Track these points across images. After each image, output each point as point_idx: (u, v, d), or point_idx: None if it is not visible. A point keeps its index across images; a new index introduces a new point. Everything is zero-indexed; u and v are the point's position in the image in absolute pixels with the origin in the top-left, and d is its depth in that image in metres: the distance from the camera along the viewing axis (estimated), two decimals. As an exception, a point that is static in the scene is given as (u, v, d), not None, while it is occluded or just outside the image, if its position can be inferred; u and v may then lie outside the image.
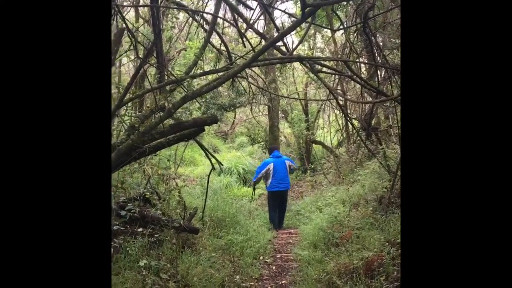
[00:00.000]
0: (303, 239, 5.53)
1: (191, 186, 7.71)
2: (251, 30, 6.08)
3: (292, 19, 6.80)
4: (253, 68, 7.37)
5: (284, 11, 6.48)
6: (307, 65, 4.57)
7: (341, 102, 6.85)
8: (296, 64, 10.46)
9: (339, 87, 8.40)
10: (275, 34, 4.92)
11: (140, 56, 4.43)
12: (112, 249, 3.36)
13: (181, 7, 5.67)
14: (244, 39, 5.70)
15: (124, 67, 11.59)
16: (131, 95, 4.72)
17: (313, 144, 11.86)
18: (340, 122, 10.70)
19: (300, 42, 5.30)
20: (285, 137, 13.71)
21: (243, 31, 5.84)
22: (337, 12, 6.36)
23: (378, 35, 5.90)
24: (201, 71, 5.30)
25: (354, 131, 8.65)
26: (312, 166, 10.76)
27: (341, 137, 10.97)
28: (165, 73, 4.54)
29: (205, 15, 5.88)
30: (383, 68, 6.00)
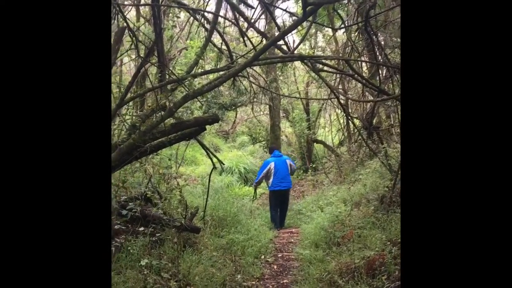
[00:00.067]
0: (305, 238, 5.53)
1: (192, 185, 7.71)
2: (252, 29, 6.07)
3: (293, 18, 6.79)
4: (254, 67, 7.36)
5: (285, 10, 6.49)
6: (308, 64, 4.56)
7: (342, 101, 6.83)
8: (297, 63, 10.48)
9: (340, 86, 8.38)
10: (276, 33, 4.91)
11: (141, 55, 4.42)
12: (113, 248, 3.36)
13: (182, 6, 5.66)
14: (245, 38, 5.69)
15: (125, 66, 11.61)
16: (132, 94, 4.72)
17: (315, 143, 11.86)
18: (341, 121, 10.68)
19: (301, 41, 5.28)
20: (286, 136, 13.71)
21: (244, 30, 5.83)
22: (338, 11, 6.34)
23: (379, 34, 5.87)
24: (202, 70, 5.30)
25: (356, 130, 8.65)
26: (313, 165, 10.77)
27: (343, 136, 10.96)
28: (166, 72, 4.53)
29: (206, 14, 5.87)
30: (384, 67, 5.99)
